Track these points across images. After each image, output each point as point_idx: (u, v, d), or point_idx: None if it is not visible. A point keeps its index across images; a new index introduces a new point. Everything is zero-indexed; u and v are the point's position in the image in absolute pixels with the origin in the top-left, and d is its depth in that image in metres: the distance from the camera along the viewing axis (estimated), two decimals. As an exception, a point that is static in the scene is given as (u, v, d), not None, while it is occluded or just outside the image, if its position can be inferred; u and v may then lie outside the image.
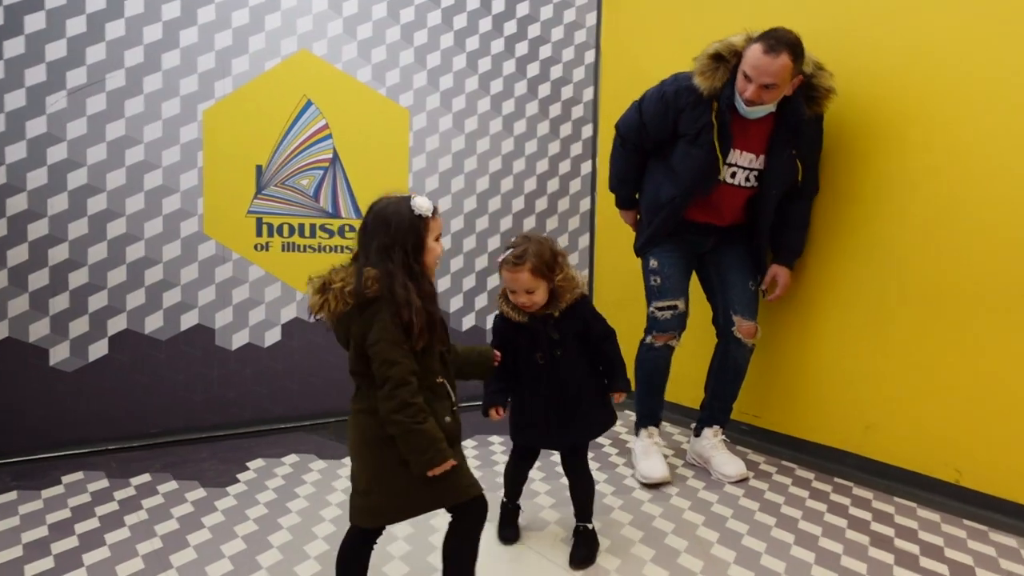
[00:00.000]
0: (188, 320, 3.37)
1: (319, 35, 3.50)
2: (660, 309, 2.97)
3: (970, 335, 2.64)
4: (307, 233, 3.59)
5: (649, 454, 2.97)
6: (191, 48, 3.24)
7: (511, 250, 2.10)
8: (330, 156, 3.60)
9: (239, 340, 3.48)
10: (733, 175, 2.85)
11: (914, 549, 2.40)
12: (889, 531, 2.52)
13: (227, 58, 3.31)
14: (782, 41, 2.57)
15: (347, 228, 3.66)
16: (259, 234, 3.49)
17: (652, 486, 2.87)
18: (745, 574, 2.23)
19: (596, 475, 2.85)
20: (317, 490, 2.82)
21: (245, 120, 3.41)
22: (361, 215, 3.68)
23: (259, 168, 3.46)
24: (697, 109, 2.76)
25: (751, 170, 2.85)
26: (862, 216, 2.91)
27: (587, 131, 4.20)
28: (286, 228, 3.55)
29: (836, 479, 2.97)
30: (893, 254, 2.82)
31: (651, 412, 3.09)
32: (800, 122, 2.76)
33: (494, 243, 4.03)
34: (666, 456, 3.15)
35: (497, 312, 2.22)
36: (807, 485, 2.92)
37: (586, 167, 4.23)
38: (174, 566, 2.23)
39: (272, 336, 3.55)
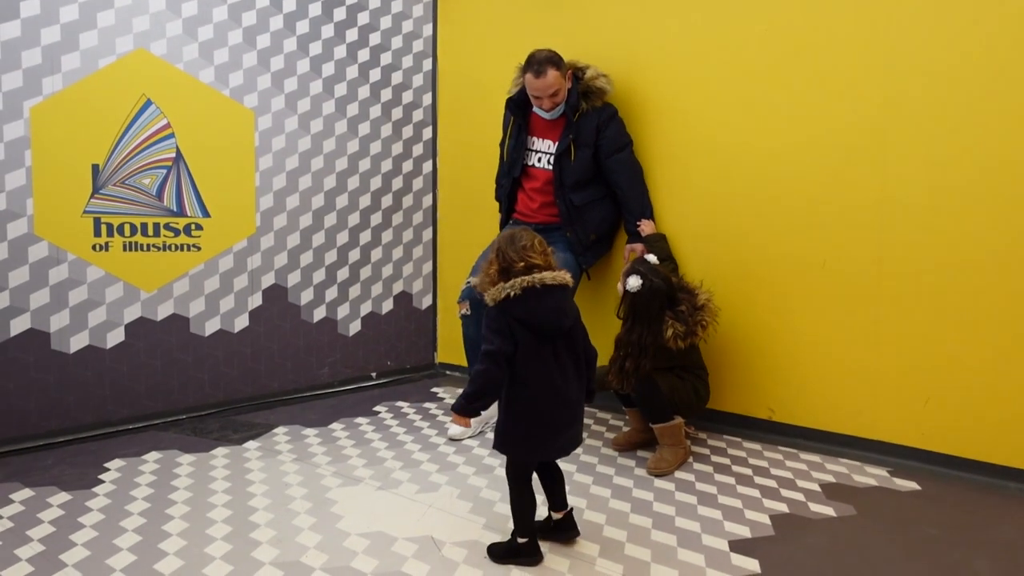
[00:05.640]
0: (19, 325, 3.16)
1: (157, 35, 3.43)
2: (466, 283, 3.45)
3: (782, 303, 3.21)
4: (151, 232, 3.49)
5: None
6: (14, 42, 3.08)
7: None
8: (173, 155, 3.53)
9: (78, 343, 3.30)
10: (539, 160, 3.46)
11: (747, 472, 2.87)
12: (725, 460, 2.99)
13: (55, 54, 3.17)
14: (543, 61, 3.22)
15: (193, 227, 3.60)
16: (97, 234, 3.35)
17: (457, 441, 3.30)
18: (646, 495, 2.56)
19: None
20: (195, 481, 2.79)
21: (79, 118, 3.26)
22: (208, 213, 3.64)
23: (95, 167, 3.33)
24: (508, 112, 3.54)
25: (549, 154, 3.43)
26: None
27: (427, 133, 4.43)
28: (127, 227, 3.43)
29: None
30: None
31: None
32: (576, 110, 3.33)
33: (342, 238, 4.14)
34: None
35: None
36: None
37: (427, 166, 4.46)
38: (68, 564, 2.16)
39: (115, 337, 3.40)
